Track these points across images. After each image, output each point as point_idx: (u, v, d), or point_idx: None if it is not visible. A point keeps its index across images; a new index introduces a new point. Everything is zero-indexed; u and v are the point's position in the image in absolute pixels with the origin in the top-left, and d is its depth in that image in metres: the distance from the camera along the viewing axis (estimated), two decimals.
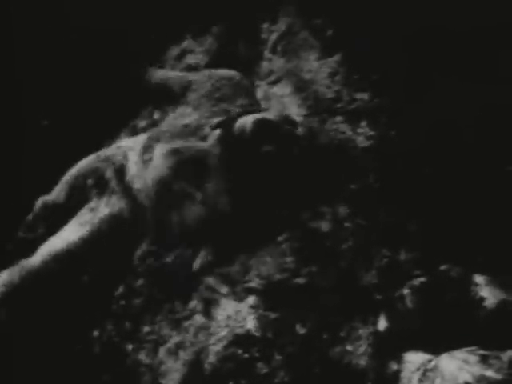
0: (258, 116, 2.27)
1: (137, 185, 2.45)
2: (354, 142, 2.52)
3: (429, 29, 2.55)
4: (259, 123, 2.23)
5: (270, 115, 2.29)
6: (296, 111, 2.64)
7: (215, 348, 2.30)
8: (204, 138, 2.36)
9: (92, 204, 2.52)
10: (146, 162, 2.44)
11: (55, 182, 2.66)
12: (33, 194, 2.72)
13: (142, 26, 3.14)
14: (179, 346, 2.36)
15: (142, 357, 2.41)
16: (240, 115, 2.34)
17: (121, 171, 2.52)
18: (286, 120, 2.31)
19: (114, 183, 2.51)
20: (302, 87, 2.71)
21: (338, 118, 2.58)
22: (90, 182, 2.58)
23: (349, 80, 2.64)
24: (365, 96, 2.58)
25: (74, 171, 2.64)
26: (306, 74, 2.73)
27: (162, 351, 2.38)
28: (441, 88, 2.50)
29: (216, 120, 2.37)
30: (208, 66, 3.00)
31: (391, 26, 2.64)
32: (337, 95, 2.63)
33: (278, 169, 2.28)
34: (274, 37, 2.88)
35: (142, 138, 2.56)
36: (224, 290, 2.37)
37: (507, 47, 2.46)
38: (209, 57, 3.00)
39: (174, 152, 2.34)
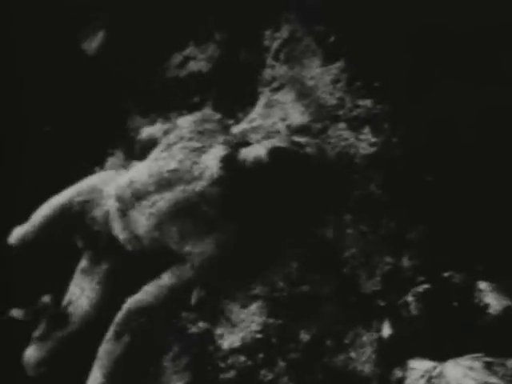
0: (268, 145, 2.29)
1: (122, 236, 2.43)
2: (356, 149, 2.52)
3: (430, 29, 2.55)
4: (274, 150, 2.26)
5: (278, 142, 2.32)
6: (299, 118, 2.64)
7: (219, 354, 2.30)
8: (192, 181, 2.31)
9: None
10: (130, 217, 2.40)
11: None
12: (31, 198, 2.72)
13: (144, 32, 3.15)
14: (183, 352, 2.35)
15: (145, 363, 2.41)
16: (237, 148, 2.36)
17: (106, 231, 2.48)
18: (294, 144, 2.34)
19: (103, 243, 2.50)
20: (304, 94, 2.71)
21: (341, 125, 2.59)
22: (79, 243, 2.56)
23: (351, 87, 2.64)
24: (367, 103, 2.58)
25: (49, 209, 2.52)
26: (309, 80, 2.73)
27: (165, 357, 2.38)
28: (443, 90, 2.50)
29: (204, 156, 2.34)
30: (211, 73, 3.00)
31: (393, 30, 2.64)
32: (339, 102, 2.63)
33: (288, 189, 2.33)
34: (276, 44, 2.88)
35: (120, 191, 2.45)
36: (228, 296, 2.37)
37: (509, 47, 2.46)
38: (212, 64, 3.00)
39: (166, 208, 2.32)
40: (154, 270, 2.37)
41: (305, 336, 2.25)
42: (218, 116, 2.57)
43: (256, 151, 2.29)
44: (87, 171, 2.77)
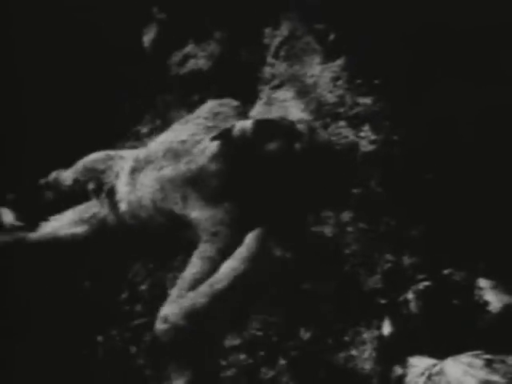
0: (257, 118, 2.34)
1: (123, 206, 2.50)
2: (356, 147, 2.52)
3: (431, 27, 2.55)
4: (258, 123, 2.26)
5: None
6: (299, 116, 2.64)
7: (219, 352, 2.30)
8: (196, 154, 2.35)
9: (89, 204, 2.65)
10: (134, 185, 2.47)
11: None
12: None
13: (142, 30, 3.15)
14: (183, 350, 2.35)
15: (147, 361, 2.41)
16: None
17: (111, 192, 2.57)
18: (284, 119, 2.34)
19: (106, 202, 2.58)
20: (304, 92, 2.71)
21: (341, 123, 2.59)
22: (90, 186, 2.67)
23: (351, 84, 2.64)
24: (367, 100, 2.58)
25: (82, 163, 2.76)
26: (309, 78, 2.73)
27: (166, 356, 2.38)
28: (443, 89, 2.50)
29: (212, 134, 2.37)
30: (211, 70, 3.00)
31: (393, 28, 2.64)
32: (340, 100, 2.63)
33: (282, 170, 2.28)
34: (276, 41, 2.88)
35: (135, 154, 2.60)
36: None
37: (509, 47, 2.46)
38: (212, 62, 3.00)
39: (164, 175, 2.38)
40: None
41: (305, 334, 2.25)
42: (235, 103, 2.65)
43: (243, 123, 2.29)
44: None
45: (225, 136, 2.29)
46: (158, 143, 2.51)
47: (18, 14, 3.20)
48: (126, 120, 3.13)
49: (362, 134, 2.54)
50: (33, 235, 2.60)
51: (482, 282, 2.10)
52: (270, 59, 2.87)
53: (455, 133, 2.45)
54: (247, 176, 2.30)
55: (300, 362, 2.22)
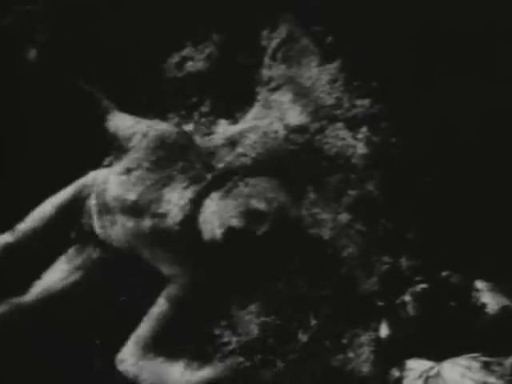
0: (223, 219, 2.18)
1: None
2: (354, 149, 2.52)
3: (429, 28, 2.55)
4: (228, 232, 2.17)
5: (232, 207, 2.19)
6: (296, 118, 2.64)
7: (217, 355, 2.30)
8: (157, 216, 2.28)
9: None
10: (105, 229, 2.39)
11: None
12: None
13: (140, 32, 3.14)
14: (181, 354, 2.35)
15: None
16: (201, 194, 2.29)
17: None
18: (252, 216, 2.19)
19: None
20: (302, 94, 2.71)
21: (339, 125, 2.58)
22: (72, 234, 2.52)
23: (349, 86, 2.64)
24: (365, 102, 2.58)
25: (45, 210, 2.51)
26: (306, 80, 2.73)
27: None
28: (442, 90, 2.50)
29: (170, 197, 2.28)
30: (208, 73, 3.00)
31: (390, 29, 2.64)
32: (337, 102, 2.63)
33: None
34: (273, 44, 2.88)
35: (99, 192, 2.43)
36: (227, 297, 2.37)
37: (509, 46, 2.46)
38: (209, 64, 3.00)
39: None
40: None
41: (303, 336, 2.25)
42: (174, 134, 2.48)
43: (211, 226, 2.21)
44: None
45: (189, 217, 2.25)
46: (111, 196, 2.35)
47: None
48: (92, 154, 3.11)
49: (360, 136, 2.53)
50: (27, 298, 2.43)
51: (480, 285, 2.10)
52: (267, 61, 2.87)
53: (454, 134, 2.45)
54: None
55: (297, 364, 2.22)
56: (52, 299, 2.41)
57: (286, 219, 2.23)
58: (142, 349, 2.18)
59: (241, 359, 2.26)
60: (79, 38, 3.13)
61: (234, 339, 2.29)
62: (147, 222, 2.27)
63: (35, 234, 2.45)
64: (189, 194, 2.27)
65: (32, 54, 3.00)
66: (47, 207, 2.48)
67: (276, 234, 2.18)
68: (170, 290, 2.26)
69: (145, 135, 2.42)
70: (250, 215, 2.17)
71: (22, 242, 2.45)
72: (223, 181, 2.30)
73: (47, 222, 2.46)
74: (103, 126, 2.61)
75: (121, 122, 2.56)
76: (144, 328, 2.23)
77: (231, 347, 2.28)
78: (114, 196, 2.33)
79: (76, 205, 2.47)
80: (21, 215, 2.55)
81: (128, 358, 2.18)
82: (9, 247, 2.43)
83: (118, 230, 2.33)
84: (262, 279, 2.35)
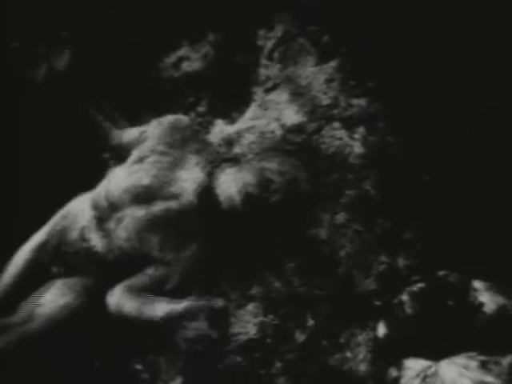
0: (240, 183, 2.27)
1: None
2: (351, 148, 2.52)
3: (429, 28, 2.56)
4: (247, 198, 2.25)
5: (249, 176, 2.28)
6: (293, 118, 2.64)
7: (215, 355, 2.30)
8: (171, 197, 2.32)
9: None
10: (107, 235, 2.37)
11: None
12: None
13: (137, 32, 3.14)
14: (180, 354, 2.35)
15: (140, 365, 2.41)
16: (214, 169, 2.35)
17: (82, 247, 2.43)
18: (266, 183, 2.27)
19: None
20: (298, 94, 2.71)
21: (335, 124, 2.58)
22: (55, 270, 2.48)
23: (345, 86, 2.64)
24: (362, 102, 2.58)
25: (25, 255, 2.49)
26: (303, 80, 2.73)
27: (161, 360, 2.38)
28: (441, 89, 2.50)
29: (183, 177, 2.33)
30: (205, 73, 3.00)
31: (388, 28, 2.64)
32: (334, 101, 2.63)
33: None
34: (270, 43, 2.88)
35: (94, 199, 2.44)
36: (224, 296, 2.37)
37: (509, 47, 2.46)
38: (206, 64, 3.00)
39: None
40: None
41: (300, 336, 2.25)
42: (185, 121, 2.57)
43: (227, 191, 2.28)
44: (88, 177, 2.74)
45: (204, 189, 2.30)
46: (120, 189, 2.37)
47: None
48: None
49: (357, 136, 2.54)
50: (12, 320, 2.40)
51: (477, 284, 2.10)
52: (264, 61, 2.87)
53: (453, 133, 2.45)
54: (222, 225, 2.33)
55: (295, 364, 2.22)
56: (53, 321, 2.39)
57: (297, 191, 2.33)
58: (129, 290, 2.26)
59: (238, 359, 2.26)
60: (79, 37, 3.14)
61: (232, 338, 2.29)
62: (160, 205, 2.30)
63: (15, 288, 2.45)
64: (204, 170, 2.34)
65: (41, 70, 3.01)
66: (20, 259, 2.47)
67: (287, 204, 2.28)
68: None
69: (160, 123, 2.51)
70: (265, 184, 2.26)
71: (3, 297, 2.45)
72: (238, 158, 2.41)
73: (24, 271, 2.46)
74: (105, 144, 2.66)
75: (124, 134, 2.63)
76: (136, 279, 2.28)
77: (229, 346, 2.28)
78: (123, 188, 2.34)
79: (53, 241, 2.46)
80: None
81: (116, 292, 2.27)
82: None
83: (127, 223, 2.32)
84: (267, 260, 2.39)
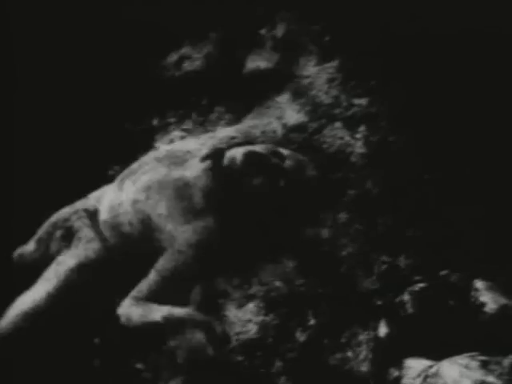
0: (248, 148, 2.34)
1: (104, 215, 2.46)
2: (352, 147, 2.52)
3: (428, 31, 2.56)
4: (249, 155, 2.30)
5: (258, 148, 2.36)
6: (295, 117, 2.64)
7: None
8: (182, 168, 2.39)
9: (59, 258, 2.49)
10: (120, 190, 2.44)
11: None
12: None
13: (139, 31, 3.15)
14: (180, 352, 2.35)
15: (141, 364, 2.41)
16: (229, 147, 2.40)
17: (94, 214, 2.51)
18: (274, 153, 2.35)
19: (84, 229, 2.49)
20: (300, 93, 2.71)
21: (337, 124, 2.59)
22: (57, 233, 2.56)
23: (347, 86, 2.64)
24: (363, 101, 2.59)
25: (47, 223, 2.61)
26: (305, 79, 2.73)
27: (162, 358, 2.38)
28: (441, 89, 2.50)
29: (204, 150, 2.39)
30: (207, 72, 3.00)
31: (389, 28, 2.64)
32: (335, 101, 2.63)
33: (265, 202, 2.34)
34: (272, 42, 2.88)
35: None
36: (225, 296, 2.37)
37: (499, 48, 2.47)
38: (207, 63, 3.00)
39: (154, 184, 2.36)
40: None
41: (301, 335, 2.25)
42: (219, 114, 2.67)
43: (234, 153, 2.34)
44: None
45: (214, 157, 2.33)
46: (160, 151, 2.53)
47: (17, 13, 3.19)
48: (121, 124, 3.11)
49: (358, 135, 2.54)
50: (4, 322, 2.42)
51: (478, 284, 2.10)
52: (265, 60, 2.87)
53: (453, 133, 2.45)
54: (231, 200, 2.35)
55: (296, 363, 2.22)
56: (25, 318, 2.40)
57: (303, 175, 2.38)
58: (136, 299, 2.29)
59: (240, 358, 2.25)
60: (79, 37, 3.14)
61: (233, 337, 2.29)
62: (173, 171, 2.38)
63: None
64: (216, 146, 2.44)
65: None
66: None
67: (291, 185, 2.32)
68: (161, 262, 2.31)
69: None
70: (273, 152, 2.34)
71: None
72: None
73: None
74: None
75: None
76: (142, 285, 2.31)
77: (230, 345, 2.28)
78: (156, 153, 2.53)
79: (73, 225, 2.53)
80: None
81: (125, 304, 2.30)
82: None
83: (137, 182, 2.39)
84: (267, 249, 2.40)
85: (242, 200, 2.33)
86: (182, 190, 2.33)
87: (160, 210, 2.32)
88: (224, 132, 2.61)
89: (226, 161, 2.32)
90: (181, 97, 3.02)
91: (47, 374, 2.43)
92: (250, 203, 2.33)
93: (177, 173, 2.36)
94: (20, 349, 2.42)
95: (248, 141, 2.53)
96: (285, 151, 2.39)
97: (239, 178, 2.30)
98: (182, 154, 2.45)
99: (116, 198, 2.44)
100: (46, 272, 2.47)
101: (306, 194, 2.40)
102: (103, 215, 2.47)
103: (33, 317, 2.40)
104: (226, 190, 2.32)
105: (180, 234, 2.28)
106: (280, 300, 2.32)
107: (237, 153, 2.32)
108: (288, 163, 2.34)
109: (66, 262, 2.44)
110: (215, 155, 2.33)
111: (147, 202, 2.34)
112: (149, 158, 2.50)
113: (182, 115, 2.94)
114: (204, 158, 2.34)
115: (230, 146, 2.41)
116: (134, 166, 2.50)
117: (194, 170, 2.35)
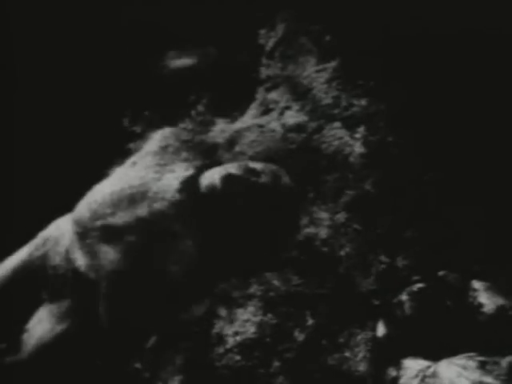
0: (223, 172, 2.30)
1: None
2: (351, 148, 2.52)
3: (428, 31, 2.56)
4: (227, 178, 2.28)
5: (232, 168, 2.31)
6: (294, 117, 2.64)
7: (214, 354, 2.30)
8: (155, 199, 2.31)
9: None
10: (93, 247, 2.34)
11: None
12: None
13: (139, 30, 3.14)
14: (178, 352, 2.35)
15: (140, 364, 2.41)
16: (202, 169, 2.37)
17: (68, 268, 2.38)
18: (248, 170, 2.32)
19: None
20: (299, 93, 2.71)
21: (336, 124, 2.58)
22: (43, 293, 2.44)
23: (346, 86, 2.64)
24: (362, 102, 2.58)
25: (7, 271, 2.48)
26: (304, 79, 2.73)
27: (161, 358, 2.38)
28: (441, 89, 2.50)
29: (170, 178, 2.34)
30: (206, 71, 3.00)
31: (389, 29, 2.64)
32: (334, 101, 2.63)
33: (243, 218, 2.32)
34: (271, 42, 2.88)
35: (78, 215, 2.42)
36: (224, 296, 2.37)
37: (499, 48, 2.47)
38: (207, 62, 3.00)
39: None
40: None
41: (299, 335, 2.25)
42: (184, 134, 2.59)
43: (210, 177, 2.31)
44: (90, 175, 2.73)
45: (188, 184, 2.30)
46: (105, 195, 2.36)
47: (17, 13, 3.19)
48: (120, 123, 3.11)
49: (357, 136, 2.54)
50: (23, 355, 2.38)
51: (476, 284, 2.10)
52: (265, 60, 2.87)
53: (452, 133, 2.45)
54: (212, 221, 2.32)
55: (294, 363, 2.22)
56: (46, 349, 2.36)
57: (279, 185, 2.33)
58: None
59: (238, 358, 2.26)
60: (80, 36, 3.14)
61: (232, 338, 2.29)
62: (145, 208, 2.29)
63: None
64: (190, 171, 2.37)
65: None
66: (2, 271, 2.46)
67: (270, 199, 2.30)
68: None
69: (156, 135, 2.55)
70: (248, 170, 2.30)
71: None
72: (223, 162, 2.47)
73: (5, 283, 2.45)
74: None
75: None
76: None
77: (228, 345, 2.28)
78: (109, 193, 2.34)
79: (41, 264, 2.45)
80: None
81: None
82: None
83: (121, 217, 2.30)
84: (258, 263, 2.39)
85: (224, 220, 2.31)
86: (156, 225, 2.28)
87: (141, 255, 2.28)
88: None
89: (204, 189, 2.30)
90: (179, 95, 3.01)
91: (47, 373, 2.43)
92: (233, 222, 2.32)
93: (143, 209, 2.29)
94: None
95: (215, 160, 2.51)
96: (257, 165, 2.36)
97: (220, 202, 2.28)
98: (138, 188, 2.34)
99: (89, 256, 2.35)
100: None
101: (284, 202, 2.39)
102: (82, 263, 2.36)
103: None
104: (206, 214, 2.30)
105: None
106: (278, 300, 2.32)
107: (214, 178, 2.30)
108: (263, 177, 2.32)
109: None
110: (189, 185, 2.31)
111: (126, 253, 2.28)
112: (99, 205, 2.36)
113: (181, 114, 2.94)
114: (181, 185, 2.30)
115: (200, 170, 2.39)
116: (87, 215, 2.37)
117: (165, 201, 2.29)
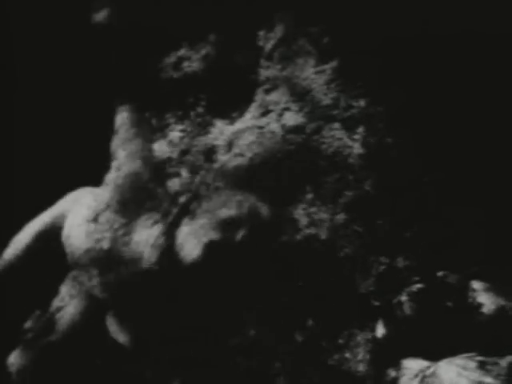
0: (203, 238, 2.09)
1: None
2: (350, 149, 2.52)
3: (427, 32, 2.56)
4: (206, 248, 2.09)
5: (208, 226, 2.10)
6: (293, 118, 2.65)
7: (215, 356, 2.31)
8: (132, 262, 2.19)
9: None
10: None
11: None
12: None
13: (137, 32, 3.14)
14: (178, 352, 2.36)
15: (141, 364, 2.41)
16: (171, 223, 2.19)
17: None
18: (225, 227, 2.10)
19: None
20: (298, 94, 2.71)
21: (335, 125, 2.59)
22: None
23: (345, 87, 2.64)
24: (362, 103, 2.59)
25: (24, 236, 2.44)
26: (303, 81, 2.73)
27: (161, 358, 2.38)
28: (440, 89, 2.50)
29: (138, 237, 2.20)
30: (205, 73, 3.00)
31: (388, 32, 2.64)
32: (334, 102, 2.63)
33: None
34: (270, 44, 2.88)
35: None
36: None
37: (499, 49, 2.47)
38: (206, 64, 3.00)
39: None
40: None
41: (299, 336, 2.25)
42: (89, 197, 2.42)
43: (190, 250, 2.10)
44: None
45: (164, 251, 2.15)
46: (81, 250, 2.27)
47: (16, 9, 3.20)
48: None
49: (356, 137, 2.54)
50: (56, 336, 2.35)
51: (476, 285, 2.10)
52: (263, 62, 2.87)
53: (451, 134, 2.45)
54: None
55: (295, 364, 2.22)
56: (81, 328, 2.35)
57: (259, 219, 2.13)
58: None
59: (240, 359, 2.26)
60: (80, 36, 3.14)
61: (232, 338, 2.30)
62: (124, 270, 2.19)
63: (20, 262, 2.40)
64: (158, 229, 2.18)
65: None
66: (26, 235, 2.42)
67: (254, 238, 2.10)
68: None
69: (114, 180, 2.38)
70: (223, 224, 2.09)
71: (9, 270, 2.40)
72: (189, 206, 2.21)
73: (28, 249, 2.41)
74: None
75: None
76: None
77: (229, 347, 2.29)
78: (84, 249, 2.27)
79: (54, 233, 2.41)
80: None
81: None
82: None
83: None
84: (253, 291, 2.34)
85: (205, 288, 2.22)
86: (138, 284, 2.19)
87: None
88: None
89: (183, 257, 2.11)
90: (179, 98, 3.01)
91: (47, 373, 2.43)
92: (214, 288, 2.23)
93: (127, 271, 2.19)
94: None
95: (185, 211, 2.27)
96: (232, 211, 2.13)
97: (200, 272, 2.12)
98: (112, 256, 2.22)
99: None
100: None
101: (264, 233, 2.20)
102: None
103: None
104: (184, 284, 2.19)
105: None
106: (278, 301, 2.32)
107: (191, 249, 2.10)
108: (238, 211, 2.10)
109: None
110: (162, 253, 2.16)
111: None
112: (85, 254, 2.28)
113: (179, 116, 2.94)
114: (155, 251, 2.16)
115: (169, 227, 2.20)
116: (75, 258, 2.31)
117: (140, 264, 2.17)
